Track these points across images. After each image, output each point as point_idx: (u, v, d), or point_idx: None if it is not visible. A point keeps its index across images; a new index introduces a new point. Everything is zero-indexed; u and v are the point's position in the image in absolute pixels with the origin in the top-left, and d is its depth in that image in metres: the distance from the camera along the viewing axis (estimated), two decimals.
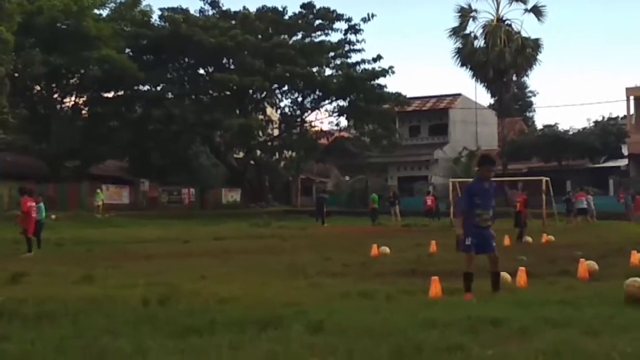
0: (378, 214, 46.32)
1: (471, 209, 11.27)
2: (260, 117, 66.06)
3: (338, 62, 64.62)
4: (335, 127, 70.83)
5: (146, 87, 60.84)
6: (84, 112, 59.33)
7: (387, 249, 20.79)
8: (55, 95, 55.66)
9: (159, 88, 61.12)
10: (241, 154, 68.68)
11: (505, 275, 13.24)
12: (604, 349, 6.32)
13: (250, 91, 62.54)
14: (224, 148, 66.49)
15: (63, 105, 56.79)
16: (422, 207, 49.38)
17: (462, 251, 11.52)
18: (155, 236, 30.23)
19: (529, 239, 26.00)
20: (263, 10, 62.67)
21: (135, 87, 59.63)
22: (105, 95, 59.40)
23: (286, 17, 63.50)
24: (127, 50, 56.96)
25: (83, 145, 53.77)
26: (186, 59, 62.89)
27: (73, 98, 57.46)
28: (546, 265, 16.68)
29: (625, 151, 66.24)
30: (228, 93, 62.58)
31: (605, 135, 65.81)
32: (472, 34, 63.37)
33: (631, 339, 6.83)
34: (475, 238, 11.23)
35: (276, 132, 69.23)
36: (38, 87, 54.86)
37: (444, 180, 54.59)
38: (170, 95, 60.88)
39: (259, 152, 68.10)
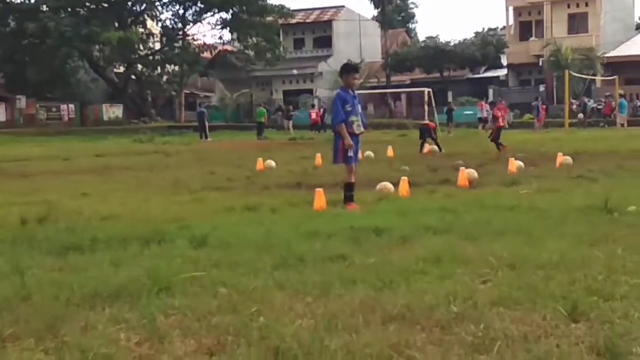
0: (264, 128, 46.23)
1: (347, 118, 11.21)
2: (141, 30, 64.34)
3: None
4: (219, 41, 69.82)
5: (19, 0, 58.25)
6: None
7: (272, 163, 20.78)
8: None
9: (32, 0, 58.54)
10: (122, 69, 66.96)
11: (388, 185, 13.44)
12: (482, 253, 6.48)
13: (129, 3, 60.67)
14: (104, 62, 64.65)
15: None
16: (307, 120, 49.64)
17: (342, 163, 11.40)
18: (33, 154, 29.32)
19: (435, 148, 26.39)
20: None
21: (8, 0, 57.00)
22: None
23: None
24: None
25: None
26: None
27: None
28: (428, 174, 17.01)
29: (504, 61, 67.78)
30: (106, 5, 60.53)
31: (485, 45, 67.13)
32: None
33: (507, 242, 7.03)
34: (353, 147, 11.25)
35: (157, 46, 67.67)
36: None
37: (330, 93, 54.73)
38: (45, 7, 58.41)
39: (140, 66, 66.54)
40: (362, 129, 11.49)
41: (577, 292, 5.02)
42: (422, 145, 26.28)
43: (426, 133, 26.83)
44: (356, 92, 11.66)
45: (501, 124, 24.96)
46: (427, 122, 28.11)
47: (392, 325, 4.47)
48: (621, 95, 46.08)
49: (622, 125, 42.30)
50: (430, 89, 43.11)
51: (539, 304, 4.78)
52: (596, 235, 7.40)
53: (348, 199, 11.23)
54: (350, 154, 11.20)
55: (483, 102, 48.73)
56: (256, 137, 43.93)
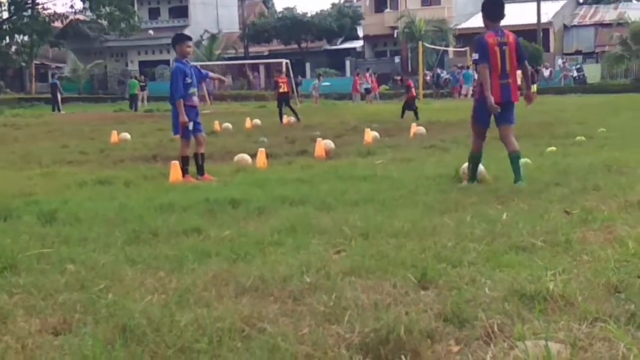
0: (136, 100, 45.29)
1: (187, 92, 11.10)
2: None
3: None
4: (70, 10, 67.45)
5: None
6: None
7: (127, 135, 20.37)
8: None
9: None
10: None
11: (245, 156, 13.41)
12: (336, 223, 6.53)
13: None
14: None
15: None
16: (166, 91, 48.88)
17: (181, 136, 11.33)
18: None
19: (293, 118, 26.46)
20: None
21: None
22: None
23: None
24: None
25: None
26: None
27: None
28: (286, 145, 17.07)
29: (360, 33, 68.65)
30: None
31: (342, 17, 67.71)
32: None
33: (361, 212, 7.11)
34: (192, 120, 11.20)
35: (5, 15, 64.78)
36: None
37: None
38: None
39: None
40: (198, 101, 11.64)
41: (427, 259, 5.11)
42: (281, 115, 26.36)
43: (284, 101, 26.95)
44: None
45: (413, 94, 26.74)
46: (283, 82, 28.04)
47: (245, 297, 4.44)
48: (466, 67, 47.52)
49: (466, 95, 43.67)
50: (288, 60, 43.16)
51: (390, 272, 4.84)
52: (447, 203, 7.59)
53: (184, 172, 11.19)
54: (190, 127, 11.16)
55: (367, 74, 49.08)
56: (132, 109, 43.18)
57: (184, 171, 11.23)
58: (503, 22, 9.19)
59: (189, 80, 11.10)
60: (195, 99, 11.36)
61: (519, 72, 9.19)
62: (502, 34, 8.94)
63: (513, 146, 8.97)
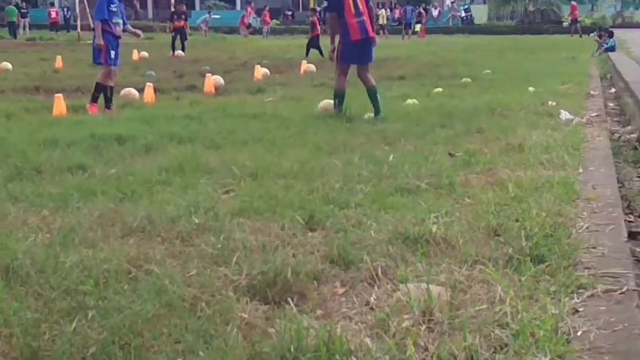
0: (17, 28, 43.56)
1: (111, 19, 10.99)
2: None
3: None
4: None
5: None
6: None
7: (8, 65, 19.67)
8: None
9: None
10: None
11: (132, 91, 13.16)
12: (225, 163, 6.50)
13: None
14: None
15: None
16: (47, 19, 47.27)
17: (104, 63, 11.17)
18: None
19: (181, 52, 26.15)
20: None
21: None
22: None
23: None
24: None
25: None
26: None
27: None
28: (174, 80, 16.84)
29: None
30: None
31: None
32: None
33: (250, 151, 7.10)
34: (114, 50, 11.10)
35: None
36: None
37: None
38: None
39: None
40: (122, 32, 11.51)
41: (315, 201, 5.16)
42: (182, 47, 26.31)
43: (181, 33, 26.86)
44: None
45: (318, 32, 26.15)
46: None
47: (132, 238, 4.39)
48: None
49: None
50: None
51: (279, 214, 4.86)
52: (335, 143, 7.65)
53: (95, 99, 11.07)
54: (113, 55, 11.07)
55: (249, 8, 48.39)
56: (11, 37, 41.55)
57: (94, 99, 11.09)
58: None
59: (114, 9, 11.10)
60: (119, 29, 11.26)
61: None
62: None
63: (371, 82, 9.96)
